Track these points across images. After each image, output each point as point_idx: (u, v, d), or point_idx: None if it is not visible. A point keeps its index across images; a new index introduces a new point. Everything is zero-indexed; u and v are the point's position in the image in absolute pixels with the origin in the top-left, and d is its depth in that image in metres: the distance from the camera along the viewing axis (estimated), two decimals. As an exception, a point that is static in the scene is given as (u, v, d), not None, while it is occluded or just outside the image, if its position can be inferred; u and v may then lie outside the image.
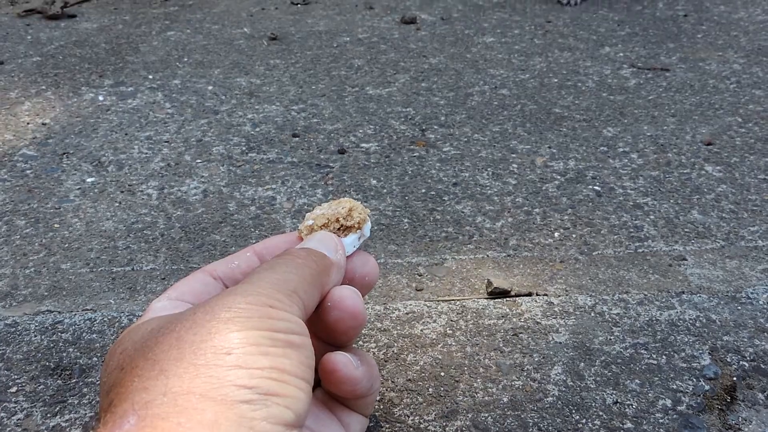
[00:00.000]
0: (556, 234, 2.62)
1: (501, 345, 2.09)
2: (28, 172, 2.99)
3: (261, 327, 0.94)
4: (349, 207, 1.25)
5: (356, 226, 1.24)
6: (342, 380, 1.15)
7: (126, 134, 3.27)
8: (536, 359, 2.04)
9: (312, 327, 1.12)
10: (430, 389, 1.90)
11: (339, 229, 1.25)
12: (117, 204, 2.81)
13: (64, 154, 3.11)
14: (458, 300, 2.29)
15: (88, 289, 2.41)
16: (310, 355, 1.01)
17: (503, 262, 2.50)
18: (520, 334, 2.13)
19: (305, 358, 0.98)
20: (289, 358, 0.95)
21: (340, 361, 1.14)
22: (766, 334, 2.09)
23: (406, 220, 2.71)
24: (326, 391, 1.22)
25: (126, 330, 1.04)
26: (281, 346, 0.95)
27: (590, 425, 1.76)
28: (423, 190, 2.87)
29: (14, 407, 1.85)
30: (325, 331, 1.17)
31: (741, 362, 2.00)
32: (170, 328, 0.95)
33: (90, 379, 1.97)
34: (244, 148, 3.20)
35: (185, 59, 4.07)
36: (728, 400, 1.89)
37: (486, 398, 1.86)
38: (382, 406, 1.80)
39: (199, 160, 3.06)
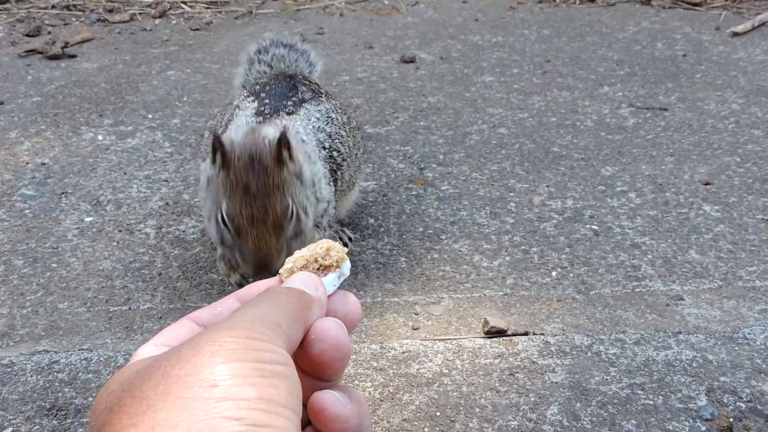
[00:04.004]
0: (554, 273, 2.62)
1: (497, 384, 2.09)
2: (26, 211, 3.01)
3: (247, 358, 0.95)
4: (326, 247, 1.26)
5: (335, 264, 1.26)
6: (331, 419, 1.14)
7: (125, 173, 3.28)
8: (532, 399, 2.03)
9: (298, 362, 1.12)
10: (426, 429, 1.89)
11: (318, 269, 1.26)
12: (115, 243, 2.81)
13: (63, 193, 3.12)
14: (454, 339, 2.28)
15: (85, 329, 2.41)
16: (297, 386, 1.00)
17: (500, 301, 2.50)
18: (517, 374, 2.13)
19: (292, 389, 0.98)
20: (276, 388, 0.94)
21: (328, 399, 1.14)
22: (762, 374, 2.09)
23: (403, 259, 2.71)
24: (316, 430, 1.21)
25: (113, 375, 1.04)
26: (268, 377, 0.95)
27: (586, 466, 1.76)
28: (420, 229, 2.88)
29: (8, 448, 1.85)
30: (312, 365, 1.17)
31: (738, 403, 1.99)
32: (156, 365, 0.96)
33: (85, 419, 1.97)
34: (242, 187, 3.20)
35: (185, 98, 4.09)
36: (725, 441, 1.89)
37: (481, 439, 1.86)
38: (377, 447, 1.80)
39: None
